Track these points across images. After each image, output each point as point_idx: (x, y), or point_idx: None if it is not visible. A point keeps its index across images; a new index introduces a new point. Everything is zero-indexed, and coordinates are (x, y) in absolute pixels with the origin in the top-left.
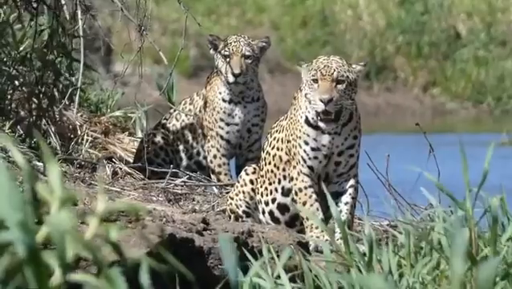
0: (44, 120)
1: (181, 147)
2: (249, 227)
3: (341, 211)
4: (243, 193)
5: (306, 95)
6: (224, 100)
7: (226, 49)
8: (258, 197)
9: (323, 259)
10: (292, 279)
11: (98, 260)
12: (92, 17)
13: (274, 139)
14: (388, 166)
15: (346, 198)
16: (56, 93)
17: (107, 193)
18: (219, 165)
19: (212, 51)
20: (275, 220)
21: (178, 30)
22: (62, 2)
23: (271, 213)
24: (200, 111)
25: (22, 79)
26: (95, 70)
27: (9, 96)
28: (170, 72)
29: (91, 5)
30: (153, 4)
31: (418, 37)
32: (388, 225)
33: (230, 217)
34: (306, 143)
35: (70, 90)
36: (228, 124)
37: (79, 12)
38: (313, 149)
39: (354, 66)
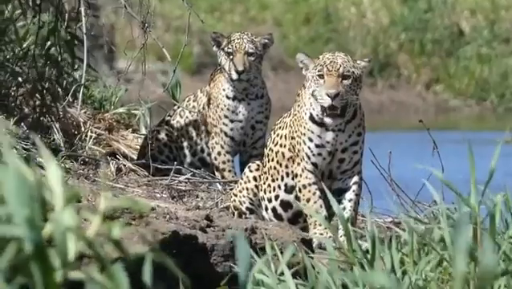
0: (48, 117)
1: (185, 144)
2: (253, 224)
3: (345, 208)
4: (247, 189)
5: (312, 91)
6: (228, 97)
7: (229, 46)
8: (261, 193)
9: (326, 257)
10: (295, 276)
11: (100, 257)
12: (94, 16)
13: (278, 135)
14: (390, 163)
15: (349, 195)
16: (59, 90)
17: (110, 189)
18: (223, 162)
19: (215, 48)
20: (278, 217)
21: (181, 26)
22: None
23: (274, 209)
24: (203, 108)
25: (25, 76)
26: (95, 70)
27: (12, 93)
28: (174, 69)
29: (94, 2)
30: (156, 1)
31: (421, 34)
32: (391, 222)
33: (234, 214)
34: (311, 140)
35: (73, 87)
36: (232, 121)
37: (82, 9)
38: (317, 146)
39: (359, 62)
